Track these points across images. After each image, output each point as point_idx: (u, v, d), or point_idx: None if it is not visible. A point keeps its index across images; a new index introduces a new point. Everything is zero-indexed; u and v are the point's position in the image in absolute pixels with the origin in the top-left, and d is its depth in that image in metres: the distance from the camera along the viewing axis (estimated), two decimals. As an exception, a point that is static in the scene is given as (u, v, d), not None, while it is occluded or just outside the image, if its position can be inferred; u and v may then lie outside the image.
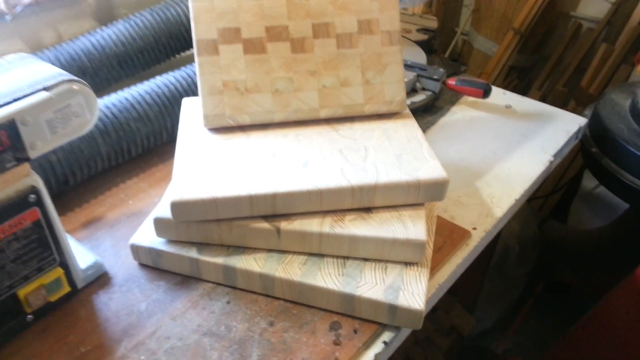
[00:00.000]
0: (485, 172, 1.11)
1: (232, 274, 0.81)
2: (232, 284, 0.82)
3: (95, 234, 0.84)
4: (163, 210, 0.77)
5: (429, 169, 0.83)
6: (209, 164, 0.82)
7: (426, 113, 1.22)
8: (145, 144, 0.92)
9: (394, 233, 0.79)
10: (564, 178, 2.19)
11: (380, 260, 0.81)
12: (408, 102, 1.18)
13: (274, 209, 0.80)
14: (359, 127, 0.92)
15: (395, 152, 0.86)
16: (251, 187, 0.78)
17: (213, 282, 0.83)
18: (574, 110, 1.47)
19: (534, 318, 2.19)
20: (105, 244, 0.83)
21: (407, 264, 0.81)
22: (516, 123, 1.24)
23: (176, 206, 0.75)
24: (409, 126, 0.93)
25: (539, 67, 2.52)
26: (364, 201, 0.81)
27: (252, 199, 0.78)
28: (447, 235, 0.94)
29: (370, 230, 0.79)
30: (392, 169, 0.83)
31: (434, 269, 0.87)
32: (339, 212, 0.83)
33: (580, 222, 2.03)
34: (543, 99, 2.35)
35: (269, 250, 0.83)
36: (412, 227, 0.80)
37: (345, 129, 0.92)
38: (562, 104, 2.27)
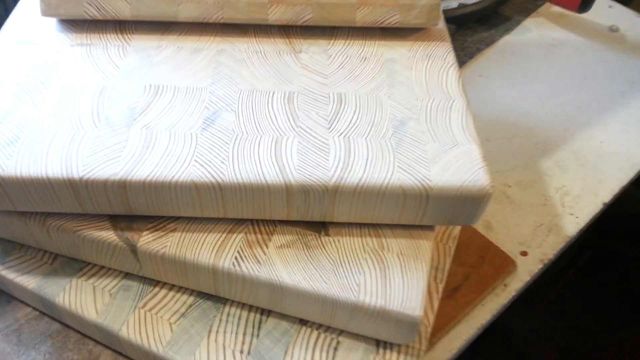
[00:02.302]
0: (559, 144, 0.66)
1: (54, 310, 0.44)
2: (61, 320, 0.45)
3: None
4: None
5: (454, 164, 0.40)
6: (16, 100, 0.42)
7: (481, 25, 0.74)
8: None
9: (359, 288, 0.38)
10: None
11: (330, 329, 0.42)
12: (449, 4, 0.69)
13: (128, 208, 0.40)
14: (339, 52, 0.48)
15: (396, 116, 0.43)
16: (82, 161, 0.38)
17: (36, 309, 0.46)
18: None
19: (570, 292, 1.79)
20: None
21: (381, 343, 0.41)
22: (623, 59, 0.76)
23: None
24: (438, 59, 0.48)
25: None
26: (313, 211, 0.40)
27: (75, 186, 0.38)
28: (473, 263, 0.52)
29: (312, 275, 0.39)
30: (379, 153, 0.40)
31: (437, 334, 0.47)
32: (263, 223, 0.42)
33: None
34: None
35: (128, 273, 0.44)
36: (398, 280, 0.39)
37: (314, 52, 0.48)
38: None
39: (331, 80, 0.45)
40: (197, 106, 0.42)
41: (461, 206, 0.40)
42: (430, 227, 0.42)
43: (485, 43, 0.78)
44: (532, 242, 0.57)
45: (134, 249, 0.40)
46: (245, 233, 0.41)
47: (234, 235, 0.41)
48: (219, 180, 0.38)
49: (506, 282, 0.53)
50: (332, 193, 0.39)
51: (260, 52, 0.47)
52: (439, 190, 0.39)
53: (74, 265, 0.44)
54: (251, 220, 0.42)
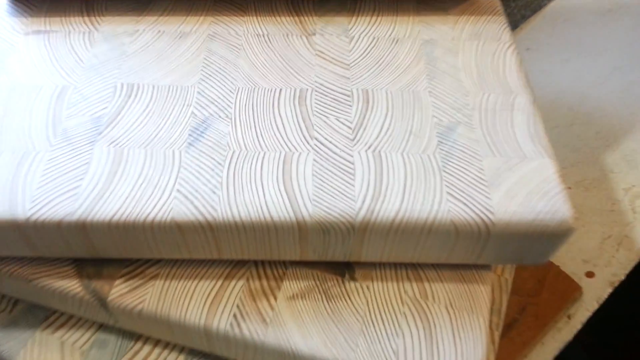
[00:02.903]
0: (625, 132, 0.55)
1: (16, 368, 0.35)
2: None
3: None
4: None
5: (523, 188, 0.30)
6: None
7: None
8: None
9: (397, 357, 0.29)
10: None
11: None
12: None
13: (92, 251, 0.30)
14: (363, 33, 0.38)
15: (440, 120, 0.33)
16: (29, 195, 0.29)
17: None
18: None
19: None
20: None
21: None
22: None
23: None
24: (491, 39, 0.37)
25: None
26: (335, 251, 0.30)
27: (22, 229, 0.29)
28: (530, 290, 0.43)
29: (335, 338, 0.30)
30: (421, 174, 0.30)
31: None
32: (270, 265, 0.33)
33: None
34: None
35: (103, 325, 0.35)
36: (448, 344, 0.30)
37: (331, 33, 0.37)
38: None
39: (354, 71, 0.35)
40: (182, 112, 0.32)
41: (533, 243, 0.30)
42: (486, 269, 0.33)
43: (531, 9, 0.66)
44: (599, 259, 0.47)
45: (104, 304, 0.31)
46: (247, 279, 0.32)
47: (233, 283, 0.32)
48: (209, 218, 0.28)
49: (570, 312, 0.44)
50: (360, 231, 0.29)
51: (263, 35, 0.37)
52: (504, 226, 0.29)
53: (38, 313, 0.35)
54: (254, 261, 0.33)
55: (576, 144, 0.54)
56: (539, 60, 0.61)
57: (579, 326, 0.43)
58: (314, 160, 0.30)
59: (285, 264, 0.33)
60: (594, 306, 0.44)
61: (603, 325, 0.47)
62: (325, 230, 0.29)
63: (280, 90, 0.34)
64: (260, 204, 0.29)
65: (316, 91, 0.34)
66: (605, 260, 0.47)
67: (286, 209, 0.29)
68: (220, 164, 0.30)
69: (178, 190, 0.29)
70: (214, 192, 0.29)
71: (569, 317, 0.43)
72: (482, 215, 0.29)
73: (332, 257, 0.31)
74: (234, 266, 0.32)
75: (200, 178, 0.29)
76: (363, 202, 0.29)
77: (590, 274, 0.46)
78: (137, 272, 0.32)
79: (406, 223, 0.29)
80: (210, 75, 0.35)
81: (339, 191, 0.29)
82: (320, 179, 0.30)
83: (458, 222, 0.29)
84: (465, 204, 0.29)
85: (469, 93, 0.34)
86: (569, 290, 0.44)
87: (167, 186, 0.29)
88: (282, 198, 0.29)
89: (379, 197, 0.29)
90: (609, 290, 0.45)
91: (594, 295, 0.45)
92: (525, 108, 0.33)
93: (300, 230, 0.29)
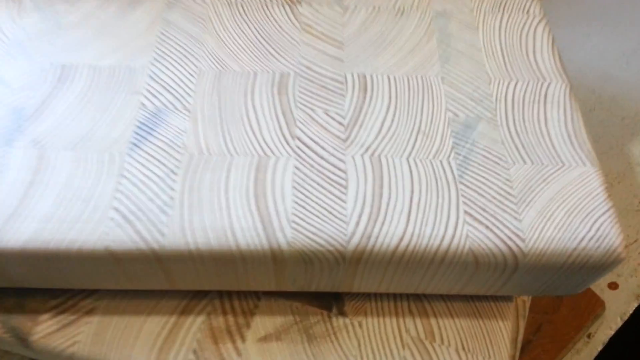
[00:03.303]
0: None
1: None
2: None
3: None
4: None
5: (561, 207, 0.24)
6: None
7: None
8: None
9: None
10: None
11: None
12: None
13: (8, 281, 0.24)
14: (360, 1, 0.30)
15: (456, 115, 0.26)
16: None
17: None
18: None
19: None
20: None
21: None
22: None
23: None
24: (517, 10, 0.30)
25: None
26: (319, 283, 0.24)
27: None
28: (547, 306, 0.37)
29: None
30: (432, 187, 0.24)
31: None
32: (238, 296, 0.26)
33: None
34: None
35: None
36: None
37: (320, 2, 0.30)
38: None
39: (349, 51, 0.28)
40: (127, 102, 0.25)
41: (570, 275, 0.24)
42: (507, 300, 0.27)
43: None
44: (623, 267, 0.41)
45: (26, 344, 0.25)
46: (209, 314, 0.25)
47: (190, 320, 0.25)
48: (156, 246, 0.21)
49: (590, 330, 0.38)
50: (353, 262, 0.23)
51: (235, 3, 0.30)
52: (537, 256, 0.22)
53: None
54: (218, 291, 0.26)
55: (598, 131, 0.47)
56: (557, 34, 0.53)
57: (600, 347, 0.38)
58: (295, 167, 0.24)
59: (257, 295, 0.26)
60: (618, 323, 0.39)
61: (627, 346, 0.41)
62: (307, 260, 0.22)
63: (256, 74, 0.27)
64: (225, 228, 0.22)
65: (301, 76, 0.27)
66: (630, 269, 0.41)
67: (258, 235, 0.22)
68: (173, 172, 0.23)
69: (115, 209, 0.22)
70: (164, 212, 0.22)
71: (589, 336, 0.38)
72: (509, 242, 0.22)
73: (317, 288, 0.25)
74: (193, 297, 0.26)
75: (145, 192, 0.23)
76: (357, 224, 0.22)
77: (613, 286, 0.40)
78: (68, 305, 0.25)
79: (412, 252, 0.22)
80: (165, 54, 0.27)
81: (326, 210, 0.23)
82: (303, 193, 0.23)
83: (478, 252, 0.22)
84: (487, 226, 0.23)
85: (491, 80, 0.27)
86: (589, 305, 0.38)
87: (100, 202, 0.22)
88: (253, 219, 0.22)
89: (378, 217, 0.23)
90: (635, 304, 0.39)
91: (617, 310, 0.39)
92: (561, 99, 0.27)
93: (276, 260, 0.22)
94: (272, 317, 0.25)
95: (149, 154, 0.24)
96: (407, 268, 0.23)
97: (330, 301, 0.26)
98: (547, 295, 0.26)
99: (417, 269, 0.23)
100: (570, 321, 0.37)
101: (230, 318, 0.25)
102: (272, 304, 0.26)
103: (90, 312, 0.25)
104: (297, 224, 0.22)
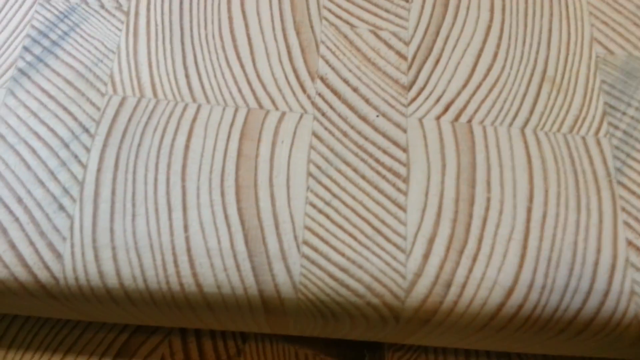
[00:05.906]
0: None
1: None
2: None
3: None
4: None
5: None
6: None
7: None
8: None
9: None
10: None
11: None
12: None
13: None
14: None
15: (610, 52, 0.14)
16: None
17: None
18: None
19: None
20: None
21: None
22: None
23: None
24: None
25: None
26: (349, 334, 0.13)
27: None
28: None
29: None
30: (566, 185, 0.12)
31: None
32: (213, 335, 0.16)
33: None
34: None
35: None
36: None
37: None
38: None
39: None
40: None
41: None
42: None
43: None
44: None
45: None
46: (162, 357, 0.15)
47: (130, 370, 0.15)
48: (48, 281, 0.11)
49: None
50: (413, 323, 0.12)
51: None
52: None
53: None
54: (180, 329, 0.16)
55: None
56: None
57: None
58: (315, 135, 0.13)
59: (242, 335, 0.16)
60: None
61: None
62: (328, 316, 0.12)
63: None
64: (169, 261, 0.11)
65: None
66: None
67: (238, 272, 0.11)
68: (87, 131, 0.12)
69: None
70: (57, 231, 0.12)
71: None
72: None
73: (343, 337, 0.15)
74: (135, 331, 0.16)
75: (28, 182, 0.12)
76: (426, 257, 0.12)
77: None
78: None
79: (528, 319, 0.12)
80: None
81: (368, 224, 0.12)
82: (324, 189, 0.12)
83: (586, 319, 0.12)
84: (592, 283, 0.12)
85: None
86: None
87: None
88: (232, 241, 0.11)
89: (466, 246, 0.12)
90: None
91: None
92: None
93: (269, 311, 0.12)
94: (262, 374, 0.15)
95: (44, 89, 0.13)
96: (513, 337, 0.13)
97: (362, 350, 0.16)
98: None
99: (532, 337, 0.13)
100: None
101: (193, 374, 0.15)
102: (265, 347, 0.16)
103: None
104: (311, 251, 0.11)
